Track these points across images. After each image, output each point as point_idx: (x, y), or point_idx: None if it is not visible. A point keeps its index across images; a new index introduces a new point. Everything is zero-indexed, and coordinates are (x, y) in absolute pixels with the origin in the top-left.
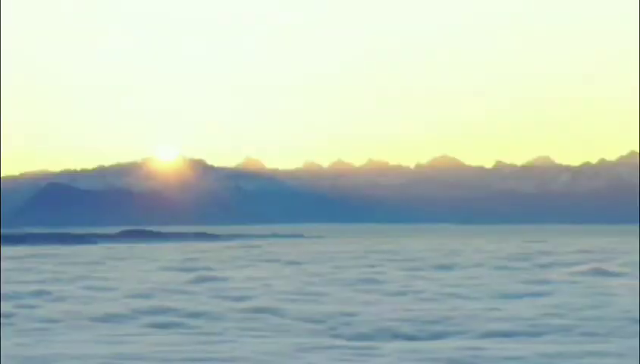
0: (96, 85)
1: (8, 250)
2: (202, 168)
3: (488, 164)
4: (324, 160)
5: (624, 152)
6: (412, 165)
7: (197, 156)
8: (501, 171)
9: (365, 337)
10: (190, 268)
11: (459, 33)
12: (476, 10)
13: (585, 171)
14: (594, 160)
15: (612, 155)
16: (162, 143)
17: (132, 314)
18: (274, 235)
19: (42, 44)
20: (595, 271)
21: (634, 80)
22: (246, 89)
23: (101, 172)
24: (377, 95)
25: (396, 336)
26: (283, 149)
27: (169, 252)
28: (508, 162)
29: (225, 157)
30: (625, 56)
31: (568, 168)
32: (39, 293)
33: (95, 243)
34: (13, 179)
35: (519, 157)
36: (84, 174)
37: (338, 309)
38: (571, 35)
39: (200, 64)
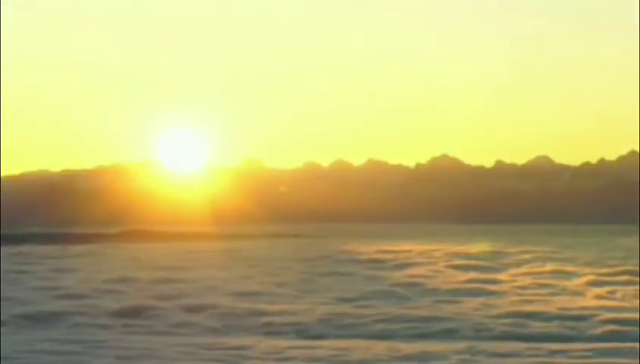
0: (96, 84)
1: (8, 250)
2: (202, 168)
3: (488, 164)
4: (324, 160)
5: (624, 152)
6: (412, 165)
7: (197, 156)
8: (501, 170)
9: (249, 334)
10: (151, 267)
11: (458, 33)
12: (477, 10)
13: (585, 170)
14: (594, 160)
15: (612, 155)
16: (162, 144)
17: (50, 314)
18: (274, 235)
19: (42, 43)
20: (540, 273)
21: (634, 80)
22: (245, 89)
23: (101, 172)
24: (376, 94)
25: (279, 333)
26: (283, 149)
27: (153, 252)
28: (508, 162)
29: (225, 157)
30: (626, 56)
31: (568, 168)
32: None
33: (94, 243)
34: (13, 179)
35: (519, 157)
36: (84, 174)
37: (253, 307)
38: (571, 35)
39: (200, 64)
